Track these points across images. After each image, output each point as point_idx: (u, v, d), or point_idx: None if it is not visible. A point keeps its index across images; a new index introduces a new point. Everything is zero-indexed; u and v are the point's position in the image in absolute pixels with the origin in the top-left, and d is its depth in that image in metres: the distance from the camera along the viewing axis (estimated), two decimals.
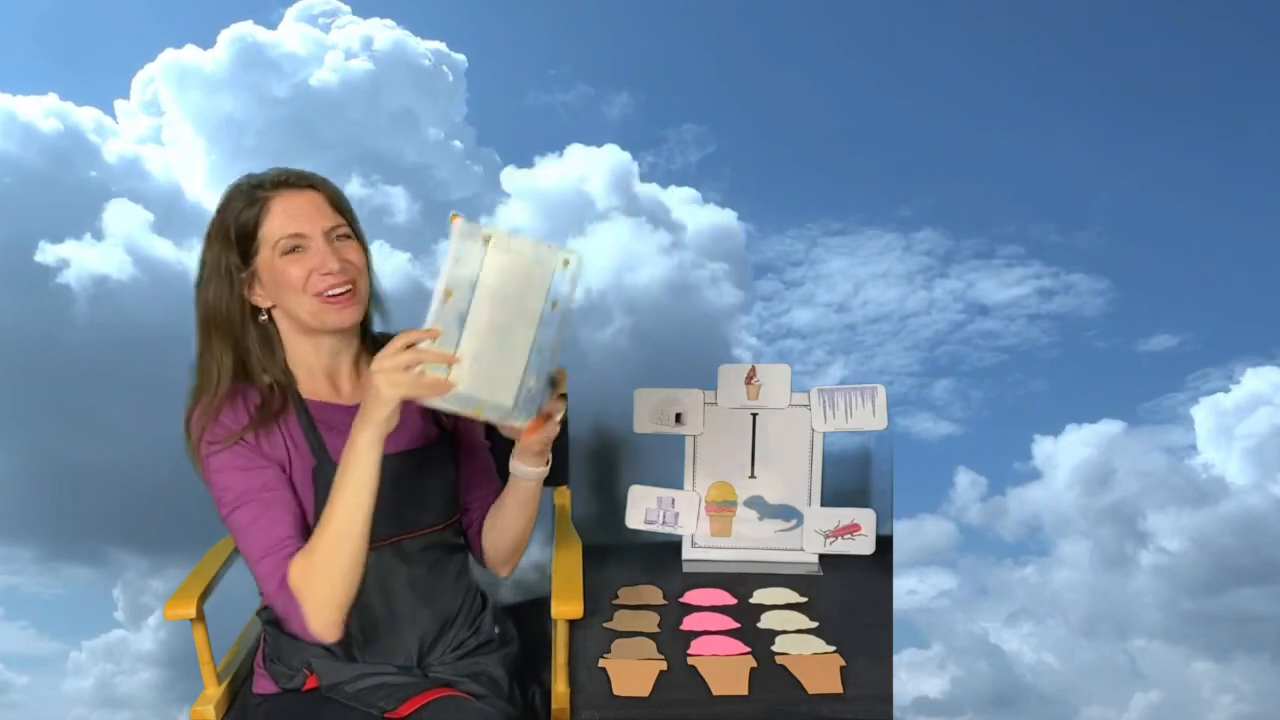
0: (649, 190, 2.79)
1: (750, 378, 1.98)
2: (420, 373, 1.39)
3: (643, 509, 2.00)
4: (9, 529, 2.70)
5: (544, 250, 1.42)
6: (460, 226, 1.38)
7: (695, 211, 2.81)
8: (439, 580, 1.68)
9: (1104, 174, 2.80)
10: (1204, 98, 2.74)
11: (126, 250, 2.67)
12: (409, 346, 1.39)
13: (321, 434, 1.60)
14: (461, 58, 2.83)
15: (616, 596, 1.89)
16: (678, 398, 1.97)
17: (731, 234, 2.79)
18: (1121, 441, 2.77)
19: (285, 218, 1.54)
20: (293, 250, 1.54)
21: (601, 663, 1.66)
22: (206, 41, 2.74)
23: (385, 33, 2.83)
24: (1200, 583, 2.72)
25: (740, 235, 2.79)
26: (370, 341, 1.67)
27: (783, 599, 1.88)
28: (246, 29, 2.76)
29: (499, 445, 1.67)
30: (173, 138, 2.78)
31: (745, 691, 1.59)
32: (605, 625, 1.78)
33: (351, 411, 1.52)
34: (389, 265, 2.54)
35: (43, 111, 2.72)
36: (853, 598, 1.87)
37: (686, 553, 2.01)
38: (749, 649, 1.70)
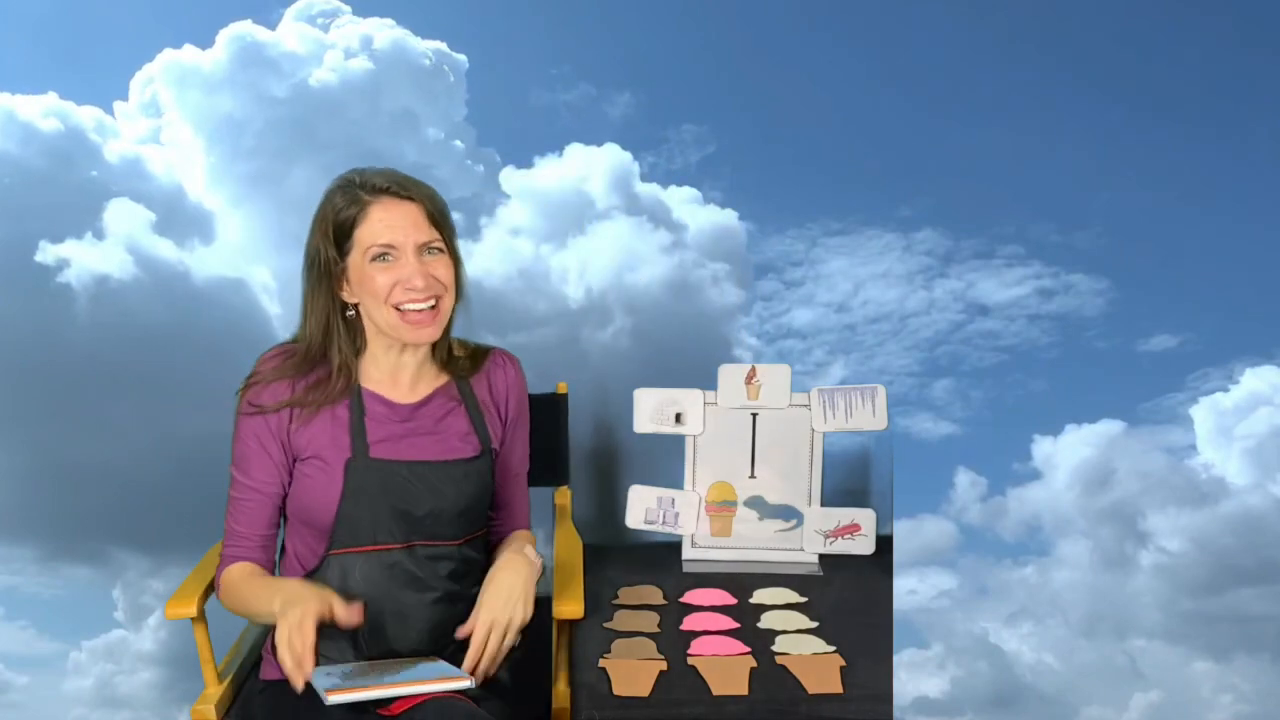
0: (650, 190, 2.79)
1: (750, 378, 1.98)
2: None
3: (643, 509, 2.00)
4: (9, 529, 2.69)
5: None
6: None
7: (696, 211, 2.80)
8: (452, 587, 1.68)
9: (1104, 174, 2.79)
10: (1204, 98, 2.74)
11: (127, 250, 2.67)
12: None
13: (367, 429, 1.62)
14: (462, 58, 2.83)
15: (616, 596, 1.89)
16: (678, 398, 1.97)
17: (732, 234, 2.79)
18: (1121, 441, 2.77)
19: (380, 226, 1.56)
20: (381, 258, 1.56)
21: (601, 663, 1.66)
22: (205, 41, 2.74)
23: (385, 32, 2.83)
24: (1200, 583, 2.72)
25: (741, 235, 2.79)
26: (444, 344, 1.70)
27: (783, 599, 1.88)
28: (245, 28, 2.76)
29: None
30: (172, 138, 2.77)
31: (745, 691, 1.59)
32: (605, 625, 1.78)
33: (400, 410, 1.64)
34: None
35: (42, 111, 2.72)
36: (853, 598, 1.87)
37: (686, 553, 2.01)
38: (749, 649, 1.70)
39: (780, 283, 2.82)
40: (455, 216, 1.66)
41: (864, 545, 1.99)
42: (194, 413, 2.52)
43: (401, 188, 1.58)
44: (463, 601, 1.69)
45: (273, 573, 1.70)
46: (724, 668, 1.64)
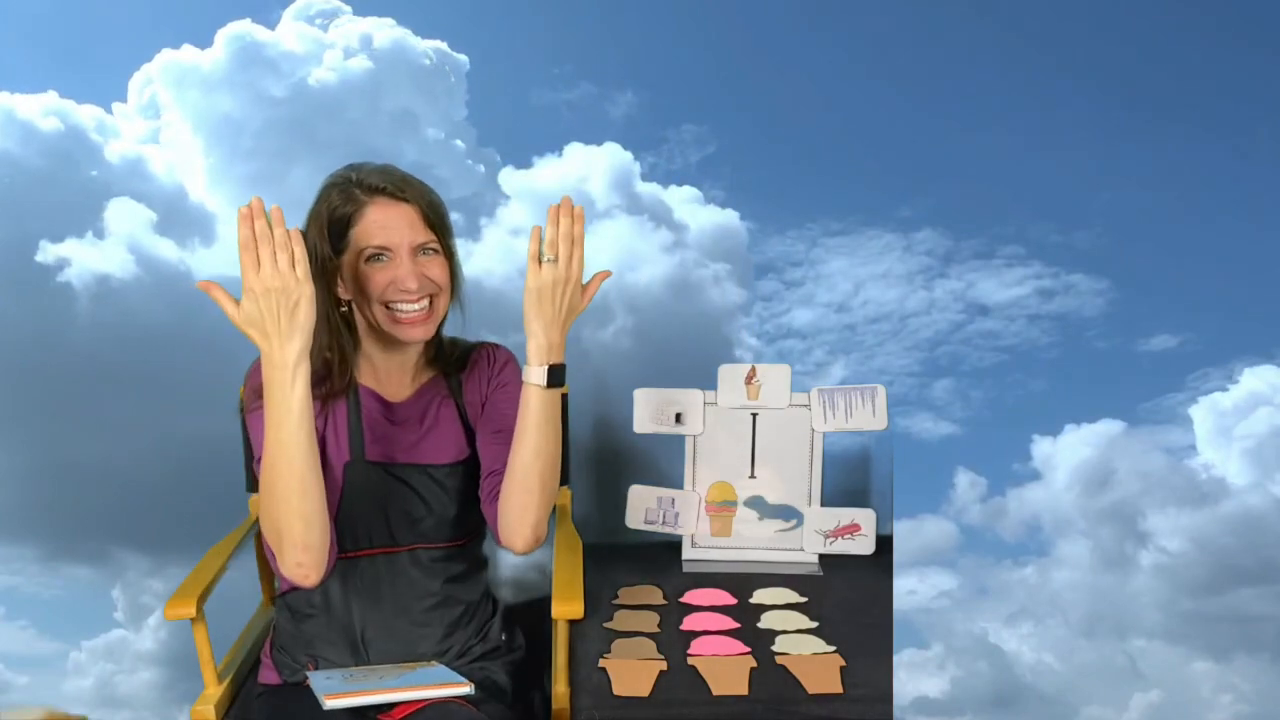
0: (650, 190, 2.79)
1: (750, 378, 1.98)
2: None
3: (643, 509, 2.00)
4: (9, 529, 2.70)
5: None
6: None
7: (697, 211, 2.81)
8: (450, 590, 1.68)
9: (1104, 174, 2.80)
10: (1204, 98, 2.75)
11: (129, 249, 2.67)
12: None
13: (364, 430, 1.62)
14: (463, 58, 2.83)
15: (616, 596, 1.89)
16: (678, 398, 1.97)
17: (733, 234, 2.80)
18: (1121, 441, 2.77)
19: (375, 227, 1.55)
20: (376, 258, 1.55)
21: (601, 663, 1.66)
22: (204, 41, 2.75)
23: (384, 31, 2.83)
24: (1200, 583, 2.72)
25: (742, 235, 2.79)
26: (437, 344, 1.67)
27: (783, 599, 1.88)
28: (244, 28, 2.76)
29: None
30: (171, 138, 2.77)
31: (745, 691, 1.59)
32: (605, 625, 1.78)
33: (394, 408, 1.64)
34: None
35: (42, 110, 2.72)
36: (853, 598, 1.87)
37: (686, 553, 2.01)
38: (749, 649, 1.70)
39: (780, 283, 2.82)
40: (455, 217, 1.65)
41: (864, 545, 1.99)
42: (194, 413, 2.52)
43: (398, 188, 1.56)
44: (461, 604, 1.69)
45: None
46: (724, 668, 1.64)
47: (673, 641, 1.72)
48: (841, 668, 1.63)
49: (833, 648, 1.69)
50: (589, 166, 2.76)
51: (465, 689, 1.51)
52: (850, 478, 2.19)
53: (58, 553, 2.71)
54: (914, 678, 2.62)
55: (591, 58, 2.80)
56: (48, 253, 2.64)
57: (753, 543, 2.00)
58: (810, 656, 1.67)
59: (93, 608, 2.73)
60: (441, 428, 1.67)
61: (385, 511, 1.63)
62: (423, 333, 1.59)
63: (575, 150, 2.75)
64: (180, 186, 2.76)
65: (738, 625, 1.77)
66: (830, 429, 1.97)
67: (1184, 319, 2.77)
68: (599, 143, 2.76)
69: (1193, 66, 2.73)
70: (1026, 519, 2.79)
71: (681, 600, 1.87)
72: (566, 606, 1.68)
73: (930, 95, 2.79)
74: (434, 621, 1.67)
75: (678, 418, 1.98)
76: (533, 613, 1.87)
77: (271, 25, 2.78)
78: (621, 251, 2.76)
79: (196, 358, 2.58)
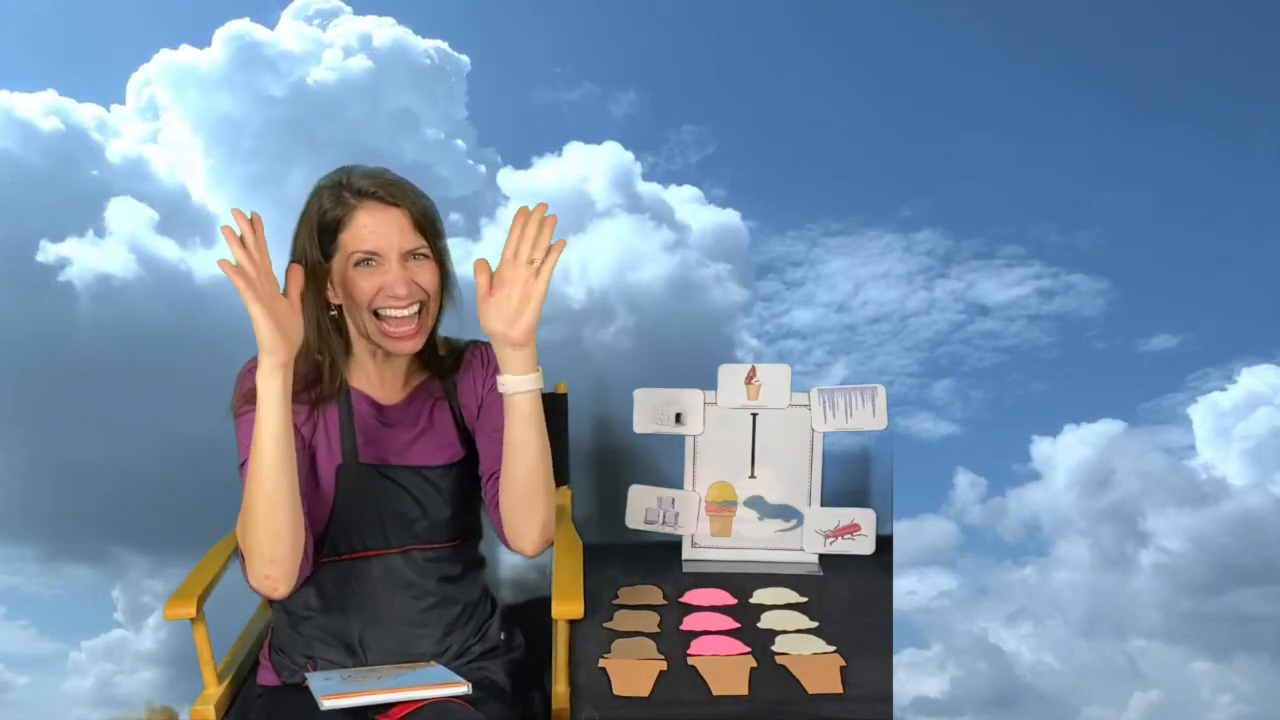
0: (651, 189, 2.79)
1: (750, 378, 1.98)
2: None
3: (643, 509, 2.00)
4: (9, 529, 2.70)
5: None
6: None
7: (697, 211, 2.81)
8: (446, 590, 1.68)
9: (1104, 174, 2.80)
10: (1204, 98, 2.74)
11: (130, 249, 2.67)
12: None
13: (356, 433, 1.62)
14: (464, 58, 2.83)
15: (616, 596, 1.89)
16: (678, 398, 1.97)
17: (734, 233, 2.79)
18: (1121, 442, 2.77)
19: (365, 232, 1.53)
20: (365, 264, 1.54)
21: (601, 663, 1.66)
22: (203, 41, 2.74)
23: (384, 31, 2.83)
24: (1200, 583, 2.72)
25: (743, 235, 2.79)
26: (430, 346, 1.65)
27: (783, 599, 1.88)
28: (243, 27, 2.76)
29: None
30: (170, 138, 2.77)
31: (745, 691, 1.59)
32: (605, 625, 1.78)
33: (386, 411, 1.63)
34: None
35: (42, 109, 2.72)
36: (853, 598, 1.87)
37: (686, 553, 2.01)
38: (749, 649, 1.70)
39: (781, 283, 2.82)
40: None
41: (864, 545, 1.99)
42: (194, 413, 2.52)
43: (388, 193, 1.54)
44: (458, 605, 1.69)
45: None
46: (724, 668, 1.64)
47: (673, 641, 1.72)
48: (841, 668, 1.64)
49: (833, 648, 1.70)
50: (589, 166, 2.76)
51: (463, 689, 1.51)
52: (850, 478, 2.19)
53: (58, 553, 2.71)
54: (914, 678, 2.63)
55: (593, 57, 2.80)
56: (48, 252, 2.63)
57: (753, 543, 2.00)
58: (810, 656, 1.67)
59: (93, 608, 2.73)
60: (436, 430, 1.67)
61: (379, 513, 1.63)
62: (411, 346, 1.58)
63: (575, 150, 2.75)
64: (182, 186, 2.75)
65: (738, 625, 1.78)
66: (830, 429, 1.97)
67: (1184, 319, 2.77)
68: (599, 142, 2.76)
69: (1193, 66, 2.73)
70: (1026, 519, 2.79)
71: (681, 600, 1.88)
72: (566, 606, 1.68)
73: (931, 95, 2.79)
74: (431, 622, 1.67)
75: (678, 418, 1.98)
76: (532, 612, 1.88)
77: (270, 25, 2.78)
78: (622, 251, 2.76)
79: (197, 358, 2.58)
